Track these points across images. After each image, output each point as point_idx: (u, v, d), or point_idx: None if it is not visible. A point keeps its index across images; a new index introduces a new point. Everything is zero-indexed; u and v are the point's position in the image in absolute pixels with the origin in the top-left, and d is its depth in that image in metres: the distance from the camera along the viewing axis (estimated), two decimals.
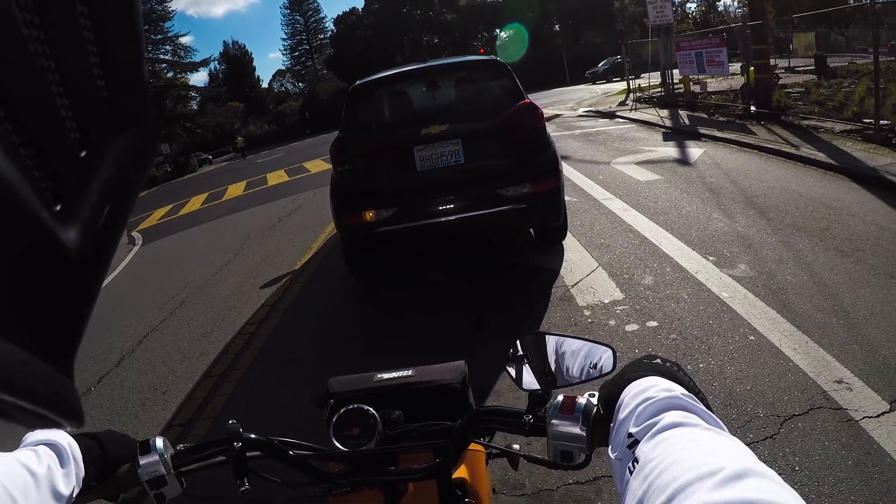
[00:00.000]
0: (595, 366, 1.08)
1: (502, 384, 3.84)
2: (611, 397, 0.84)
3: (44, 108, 0.24)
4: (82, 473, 0.98)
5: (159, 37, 58.39)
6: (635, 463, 0.63)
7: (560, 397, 0.94)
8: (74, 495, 0.95)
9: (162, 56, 58.88)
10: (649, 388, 0.76)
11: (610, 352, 1.09)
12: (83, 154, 0.27)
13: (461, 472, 1.16)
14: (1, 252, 0.23)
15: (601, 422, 0.89)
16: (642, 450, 0.64)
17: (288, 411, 4.19)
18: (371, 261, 6.28)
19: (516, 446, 1.17)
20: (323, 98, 63.70)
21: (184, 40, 60.37)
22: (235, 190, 20.50)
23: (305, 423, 3.58)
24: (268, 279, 7.72)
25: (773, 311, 4.18)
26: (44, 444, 0.94)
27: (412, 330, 5.07)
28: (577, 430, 0.91)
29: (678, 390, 0.74)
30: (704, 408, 0.71)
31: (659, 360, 0.87)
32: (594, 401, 0.91)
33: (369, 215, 5.41)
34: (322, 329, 5.69)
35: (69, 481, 0.93)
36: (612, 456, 0.72)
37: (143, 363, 6.02)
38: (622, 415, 0.75)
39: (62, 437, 0.98)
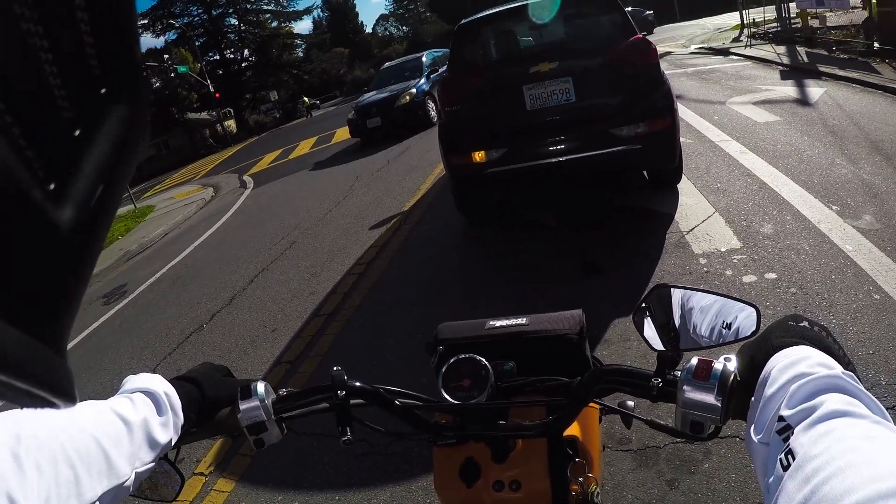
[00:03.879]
0: (729, 326, 0.95)
1: (613, 333, 3.79)
2: (752, 365, 0.77)
3: (36, 86, 0.24)
4: (181, 422, 0.96)
5: None
6: (790, 457, 0.55)
7: (694, 360, 0.85)
8: (173, 443, 0.94)
9: (265, 6, 60.24)
10: (801, 362, 0.67)
11: (752, 311, 0.94)
12: (76, 133, 0.26)
13: (573, 430, 1.08)
14: None
15: (738, 392, 0.80)
16: (800, 441, 0.56)
17: (395, 353, 4.29)
18: (480, 203, 6.24)
19: (630, 403, 1.07)
20: (427, 41, 63.03)
21: None
22: (343, 133, 20.73)
23: (413, 365, 3.72)
24: (377, 220, 7.85)
25: None
26: (140, 391, 0.93)
27: (521, 274, 5.06)
28: (711, 399, 0.81)
29: (837, 368, 0.65)
30: (866, 390, 0.61)
31: (806, 324, 0.77)
32: (731, 366, 0.82)
33: (478, 156, 5.37)
34: (430, 271, 5.76)
35: (167, 430, 0.92)
36: (754, 438, 0.65)
37: (254, 301, 6.28)
38: (769, 390, 0.67)
39: (159, 384, 0.96)
